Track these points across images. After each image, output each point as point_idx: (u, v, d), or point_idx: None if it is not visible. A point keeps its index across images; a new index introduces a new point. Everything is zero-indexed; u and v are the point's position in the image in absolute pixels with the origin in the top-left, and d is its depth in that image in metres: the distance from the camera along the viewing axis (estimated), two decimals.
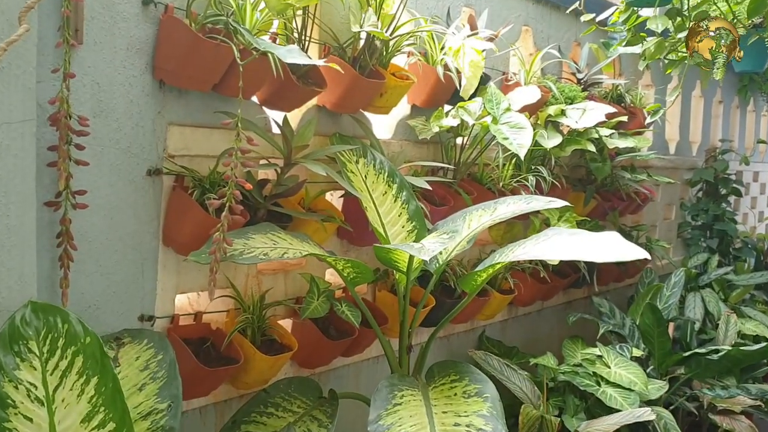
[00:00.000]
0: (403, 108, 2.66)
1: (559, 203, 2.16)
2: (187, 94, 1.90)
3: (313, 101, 2.28)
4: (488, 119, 2.40)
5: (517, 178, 2.97)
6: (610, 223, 3.82)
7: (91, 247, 1.74)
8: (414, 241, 2.11)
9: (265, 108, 2.12)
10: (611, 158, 3.45)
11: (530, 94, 2.62)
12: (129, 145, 1.79)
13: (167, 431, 1.40)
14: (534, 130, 3.02)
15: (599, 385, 2.69)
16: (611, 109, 3.10)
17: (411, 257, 1.94)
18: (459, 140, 2.76)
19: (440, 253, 2.14)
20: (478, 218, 2.16)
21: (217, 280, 1.69)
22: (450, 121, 2.42)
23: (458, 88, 2.30)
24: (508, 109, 2.40)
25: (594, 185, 3.44)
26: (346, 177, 2.09)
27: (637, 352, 2.91)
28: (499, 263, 1.88)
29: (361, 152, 2.22)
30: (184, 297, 2.08)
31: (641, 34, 3.10)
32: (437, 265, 2.13)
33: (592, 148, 3.09)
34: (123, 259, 1.81)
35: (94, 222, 1.74)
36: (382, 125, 2.63)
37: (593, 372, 2.74)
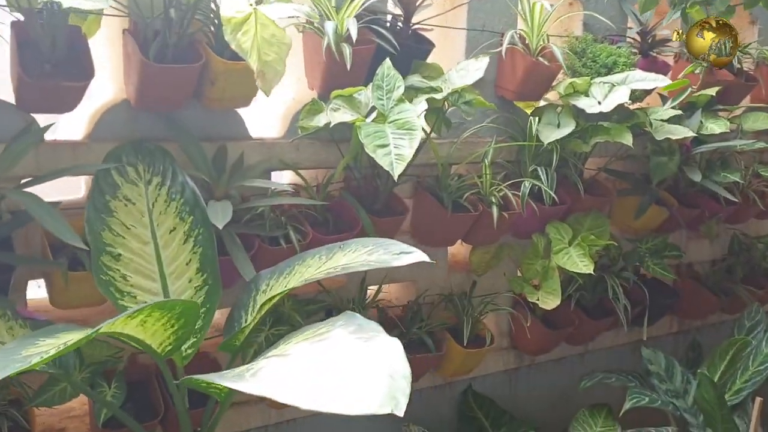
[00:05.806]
0: (305, 95, 1.94)
1: (418, 256, 1.35)
2: None
3: (121, 96, 1.68)
4: (372, 116, 1.61)
5: (509, 183, 2.11)
6: (704, 233, 2.74)
7: None
8: (202, 302, 1.46)
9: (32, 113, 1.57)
10: (685, 151, 2.38)
11: (472, 70, 1.75)
12: None
13: None
14: (536, 115, 2.14)
15: None
16: (663, 81, 2.08)
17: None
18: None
19: (244, 321, 1.46)
20: (304, 270, 1.44)
21: None
22: (321, 119, 1.67)
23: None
24: (401, 100, 1.59)
25: (653, 188, 2.39)
26: (106, 208, 1.47)
27: None
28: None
29: (161, 169, 1.58)
30: None
31: None
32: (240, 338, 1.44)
33: (627, 140, 2.10)
34: None
35: None
36: (272, 120, 1.94)
37: None
